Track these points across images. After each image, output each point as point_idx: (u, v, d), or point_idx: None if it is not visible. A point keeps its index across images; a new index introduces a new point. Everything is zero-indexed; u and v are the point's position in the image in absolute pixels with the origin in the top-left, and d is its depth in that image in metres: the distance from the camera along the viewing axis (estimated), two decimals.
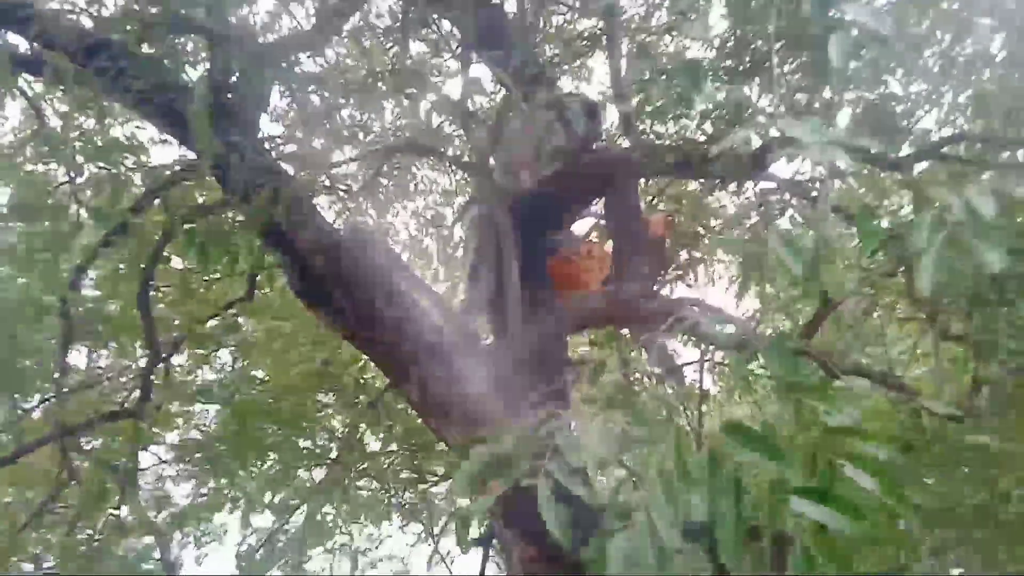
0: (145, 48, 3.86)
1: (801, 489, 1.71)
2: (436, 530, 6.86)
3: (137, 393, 5.07)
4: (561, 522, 1.72)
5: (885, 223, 4.63)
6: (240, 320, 6.23)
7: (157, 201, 4.41)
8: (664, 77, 2.65)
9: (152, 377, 4.86)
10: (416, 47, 5.38)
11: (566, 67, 6.43)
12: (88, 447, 5.90)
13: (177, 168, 4.16)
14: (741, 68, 4.78)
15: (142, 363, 5.37)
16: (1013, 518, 3.79)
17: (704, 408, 6.89)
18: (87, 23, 4.08)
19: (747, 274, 1.93)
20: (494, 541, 3.79)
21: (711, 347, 3.63)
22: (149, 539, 6.18)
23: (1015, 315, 3.83)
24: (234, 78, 3.99)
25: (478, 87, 3.73)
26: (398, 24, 4.82)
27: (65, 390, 5.07)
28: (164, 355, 5.16)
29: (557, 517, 1.71)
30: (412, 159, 6.03)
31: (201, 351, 6.27)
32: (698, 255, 5.44)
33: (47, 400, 5.47)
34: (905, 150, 4.73)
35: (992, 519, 3.72)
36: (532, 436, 1.97)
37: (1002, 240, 1.89)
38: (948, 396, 4.20)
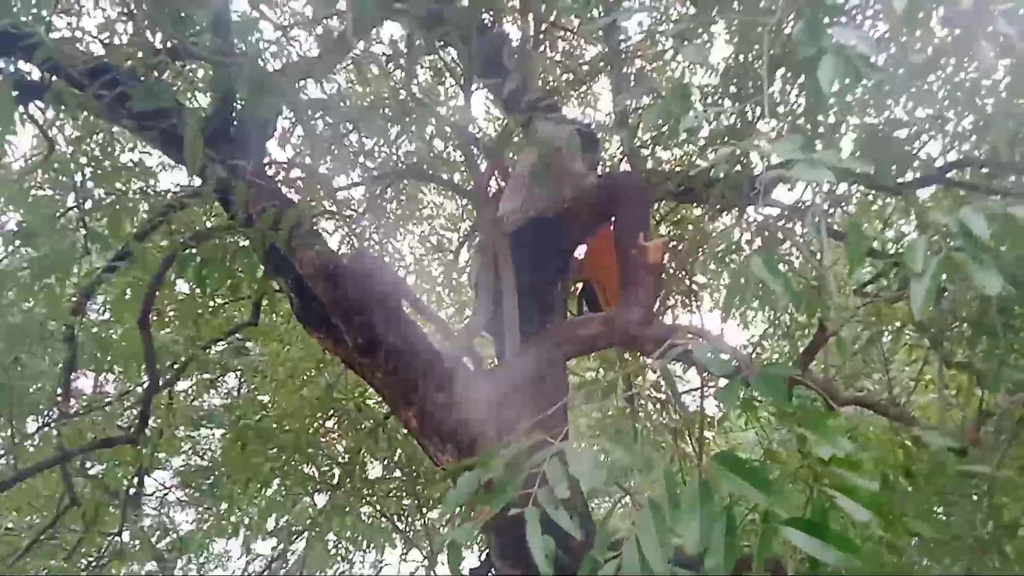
0: (154, 74, 3.92)
1: (793, 521, 1.69)
2: (435, 558, 6.81)
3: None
4: (548, 552, 1.71)
5: (891, 247, 4.62)
6: (248, 344, 6.25)
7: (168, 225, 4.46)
8: (660, 101, 2.67)
9: (151, 403, 4.87)
10: (421, 74, 5.43)
11: (572, 93, 6.48)
12: (93, 471, 5.91)
13: (180, 193, 4.20)
14: (743, 93, 4.80)
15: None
16: (1019, 550, 3.72)
17: (711, 433, 6.85)
18: (96, 49, 4.15)
19: (731, 299, 1.92)
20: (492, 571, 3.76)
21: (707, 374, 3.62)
22: (152, 565, 6.15)
23: (1020, 343, 3.80)
24: (239, 104, 4.04)
25: (469, 115, 3.75)
26: (403, 51, 4.87)
27: (68, 414, 5.08)
28: (162, 381, 5.17)
29: (544, 546, 1.70)
30: (416, 185, 6.06)
31: (207, 376, 6.28)
32: (702, 280, 5.43)
33: (47, 425, 5.48)
34: (910, 175, 4.74)
35: (997, 550, 3.65)
36: (521, 463, 1.96)
37: (1000, 263, 1.87)
38: (952, 424, 4.15)
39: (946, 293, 3.73)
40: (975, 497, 3.92)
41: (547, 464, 1.82)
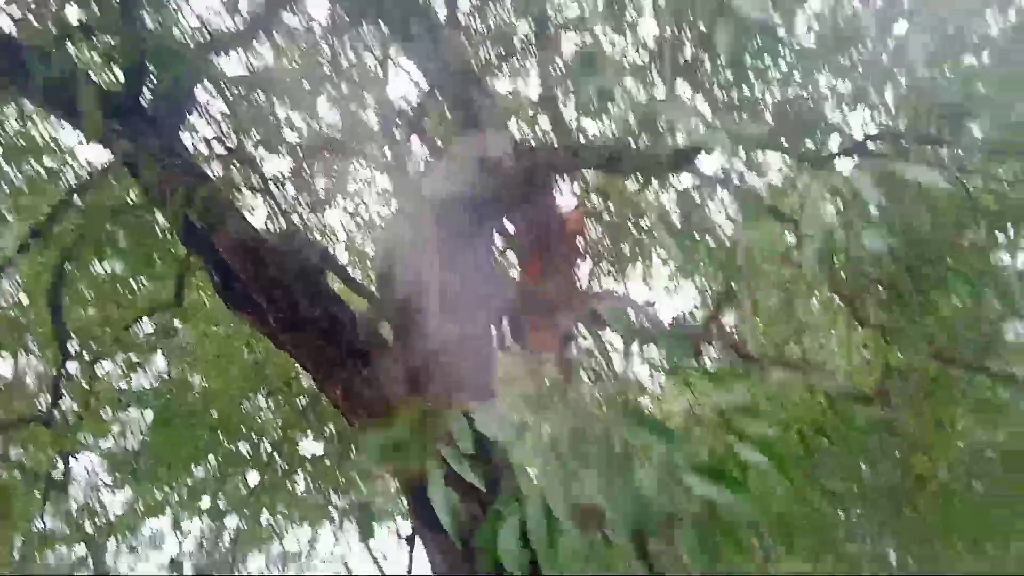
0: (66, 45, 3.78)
1: (693, 467, 1.75)
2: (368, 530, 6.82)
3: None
4: (451, 505, 1.73)
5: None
6: (176, 324, 6.10)
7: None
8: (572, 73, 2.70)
9: (60, 382, 4.73)
10: (346, 48, 5.34)
11: (501, 66, 6.44)
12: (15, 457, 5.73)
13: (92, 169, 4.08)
14: (672, 67, 4.85)
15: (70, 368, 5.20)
16: (931, 498, 3.90)
17: (645, 400, 6.96)
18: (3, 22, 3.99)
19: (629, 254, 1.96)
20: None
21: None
22: (81, 548, 6.02)
23: (929, 304, 3.96)
24: (153, 79, 3.92)
25: (385, 89, 3.72)
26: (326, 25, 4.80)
27: None
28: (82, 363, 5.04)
29: (446, 500, 1.72)
30: (344, 159, 5.99)
31: (133, 356, 6.12)
32: (627, 249, 5.47)
33: None
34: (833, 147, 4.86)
35: (909, 502, 3.83)
36: (433, 424, 1.98)
37: (904, 224, 1.96)
38: (867, 381, 4.31)
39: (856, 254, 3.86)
40: (897, 454, 4.09)
41: (453, 421, 1.84)
